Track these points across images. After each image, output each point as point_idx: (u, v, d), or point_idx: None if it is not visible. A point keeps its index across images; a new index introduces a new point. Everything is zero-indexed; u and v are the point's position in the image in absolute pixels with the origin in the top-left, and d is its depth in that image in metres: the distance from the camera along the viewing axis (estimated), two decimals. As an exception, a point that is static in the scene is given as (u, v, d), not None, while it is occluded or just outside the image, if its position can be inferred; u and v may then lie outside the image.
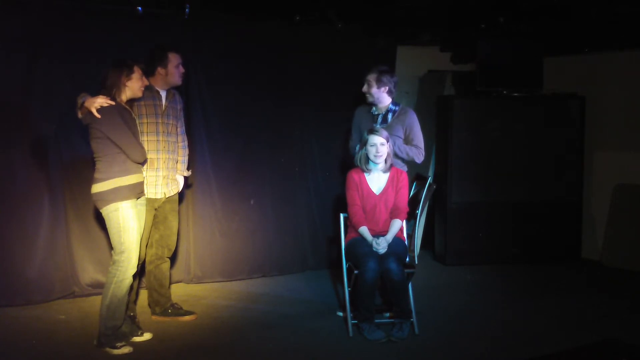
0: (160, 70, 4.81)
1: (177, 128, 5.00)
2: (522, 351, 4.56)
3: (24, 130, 5.26)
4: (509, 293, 6.03)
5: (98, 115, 4.19)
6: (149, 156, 4.70)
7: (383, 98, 5.25)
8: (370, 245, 4.79)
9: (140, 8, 5.40)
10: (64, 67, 5.33)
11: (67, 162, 5.44)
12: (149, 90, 4.75)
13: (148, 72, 4.76)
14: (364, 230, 4.87)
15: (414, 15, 6.17)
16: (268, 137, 6.31)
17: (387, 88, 5.22)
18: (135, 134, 4.37)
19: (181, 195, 5.89)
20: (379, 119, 5.27)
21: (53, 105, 5.31)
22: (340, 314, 5.26)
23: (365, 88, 5.25)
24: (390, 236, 4.84)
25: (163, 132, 4.81)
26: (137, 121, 4.60)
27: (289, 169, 6.52)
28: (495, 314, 5.40)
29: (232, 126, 6.18)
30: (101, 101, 4.20)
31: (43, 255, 5.38)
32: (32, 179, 5.31)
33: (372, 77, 5.20)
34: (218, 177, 6.15)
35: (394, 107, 5.28)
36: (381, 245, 4.74)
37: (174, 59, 4.83)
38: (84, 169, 5.29)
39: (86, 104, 4.20)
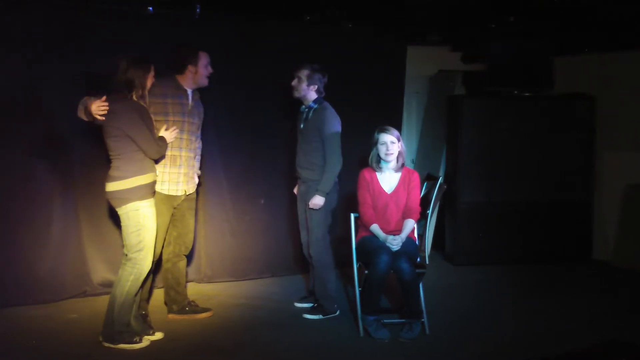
0: (190, 68, 4.86)
1: (199, 129, 5.05)
2: (531, 352, 4.55)
3: (34, 129, 5.28)
4: (519, 293, 6.01)
5: (102, 118, 4.26)
6: (172, 153, 4.78)
7: (310, 96, 5.20)
8: (381, 240, 4.80)
9: (151, 8, 5.42)
10: (74, 66, 5.35)
11: (78, 161, 5.47)
12: (177, 89, 4.82)
13: (177, 70, 4.83)
14: (376, 227, 4.87)
15: (423, 15, 6.16)
16: (278, 137, 6.32)
17: (316, 87, 5.18)
18: (151, 132, 4.42)
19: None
20: (303, 117, 5.25)
21: (63, 104, 5.31)
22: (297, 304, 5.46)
23: (294, 82, 5.20)
24: (404, 235, 4.84)
25: (188, 130, 4.86)
26: (163, 119, 4.69)
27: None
28: (505, 314, 5.39)
29: (241, 126, 6.20)
30: (103, 107, 4.25)
31: (54, 255, 5.41)
32: (43, 179, 5.34)
33: (303, 74, 5.15)
34: (228, 177, 6.16)
35: (314, 105, 5.20)
36: (395, 242, 4.74)
37: (204, 58, 4.90)
38: (95, 168, 5.33)
39: (92, 109, 4.27)
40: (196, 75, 4.88)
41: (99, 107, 4.26)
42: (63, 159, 5.41)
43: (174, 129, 4.68)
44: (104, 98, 4.28)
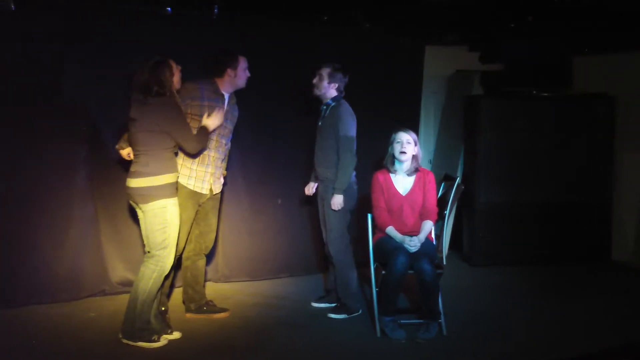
0: (229, 72, 4.90)
1: (231, 133, 5.09)
2: (548, 353, 4.53)
3: (53, 129, 5.32)
4: (536, 294, 5.98)
5: (130, 157, 4.61)
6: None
7: (329, 94, 5.21)
8: (399, 241, 4.79)
9: (169, 9, 5.45)
10: (94, 67, 5.38)
11: (97, 161, 5.49)
12: (214, 93, 4.88)
13: (215, 74, 4.88)
14: (391, 229, 4.86)
15: (441, 15, 6.14)
16: (295, 137, 6.32)
17: (336, 85, 5.19)
18: (188, 127, 4.50)
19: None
20: (322, 115, 5.26)
21: (82, 105, 5.37)
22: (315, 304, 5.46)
23: (315, 80, 5.22)
24: (422, 236, 4.83)
25: (219, 133, 4.91)
26: (199, 120, 4.73)
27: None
28: (522, 315, 5.36)
29: (258, 126, 6.20)
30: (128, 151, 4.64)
31: (73, 254, 5.45)
32: (62, 178, 5.38)
33: (324, 71, 5.17)
34: (245, 176, 6.18)
35: (331, 103, 5.22)
36: (413, 242, 4.73)
37: (243, 62, 4.95)
38: (113, 167, 5.36)
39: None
40: (235, 79, 4.93)
41: (129, 154, 4.62)
42: (82, 158, 5.44)
43: (213, 114, 4.71)
44: (130, 154, 4.61)
